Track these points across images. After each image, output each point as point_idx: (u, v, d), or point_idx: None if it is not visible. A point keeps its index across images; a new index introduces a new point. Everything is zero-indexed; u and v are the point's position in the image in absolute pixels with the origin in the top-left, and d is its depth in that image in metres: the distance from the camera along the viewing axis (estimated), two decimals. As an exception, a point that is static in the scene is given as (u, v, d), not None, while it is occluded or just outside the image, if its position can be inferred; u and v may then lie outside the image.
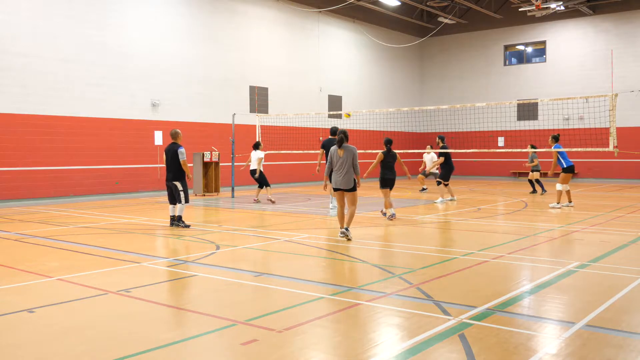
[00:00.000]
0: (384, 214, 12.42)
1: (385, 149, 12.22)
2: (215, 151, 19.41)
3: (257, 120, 19.30)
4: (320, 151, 14.25)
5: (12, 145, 15.97)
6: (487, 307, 5.46)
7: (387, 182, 12.24)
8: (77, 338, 4.73)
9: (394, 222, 11.89)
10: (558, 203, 14.46)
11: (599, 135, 21.05)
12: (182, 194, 11.05)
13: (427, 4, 27.20)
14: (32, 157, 16.37)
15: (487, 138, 27.79)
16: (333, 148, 9.66)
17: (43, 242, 9.63)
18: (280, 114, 21.96)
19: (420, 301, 5.74)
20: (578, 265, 7.39)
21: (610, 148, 13.41)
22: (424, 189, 19.83)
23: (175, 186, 11.09)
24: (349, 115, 20.96)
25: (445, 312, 5.30)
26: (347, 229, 9.53)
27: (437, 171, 18.03)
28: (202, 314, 5.40)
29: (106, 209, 14.97)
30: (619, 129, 21.45)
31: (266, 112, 23.04)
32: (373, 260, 7.94)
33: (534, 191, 19.26)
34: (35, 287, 6.54)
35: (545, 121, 25.96)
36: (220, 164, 20.00)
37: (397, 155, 12.36)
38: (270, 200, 16.11)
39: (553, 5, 24.11)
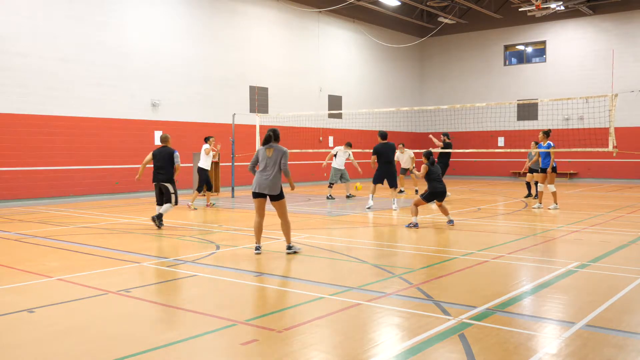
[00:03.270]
0: (415, 225, 11.10)
1: (429, 161, 11.24)
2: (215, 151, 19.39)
3: (257, 120, 19.30)
4: (373, 157, 14.20)
5: (12, 145, 15.97)
6: (487, 307, 5.47)
7: (436, 195, 11.27)
8: (77, 338, 4.73)
9: (394, 222, 11.88)
10: (556, 204, 14.26)
11: (598, 135, 21.05)
12: (173, 197, 11.26)
13: (427, 4, 27.19)
14: (32, 157, 16.36)
15: (487, 138, 27.79)
16: (261, 148, 8.47)
17: (43, 242, 9.63)
18: (280, 114, 21.96)
19: (420, 301, 5.74)
20: (578, 265, 7.39)
21: (610, 148, 13.41)
22: (401, 191, 19.01)
23: (167, 188, 11.27)
24: None
25: (445, 312, 5.30)
26: (290, 247, 8.40)
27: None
28: (202, 314, 5.40)
29: (106, 209, 14.97)
30: (619, 129, 21.47)
31: (266, 112, 23.04)
32: (373, 260, 7.94)
33: (530, 194, 17.34)
34: (35, 287, 6.54)
35: (545, 121, 25.95)
36: (220, 164, 20.00)
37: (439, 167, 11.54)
38: (210, 204, 15.25)
39: (553, 5, 24.10)
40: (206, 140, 15.39)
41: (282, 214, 8.39)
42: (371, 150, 14.32)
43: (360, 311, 5.45)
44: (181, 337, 4.71)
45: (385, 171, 14.02)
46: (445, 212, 11.44)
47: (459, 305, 5.54)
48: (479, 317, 5.15)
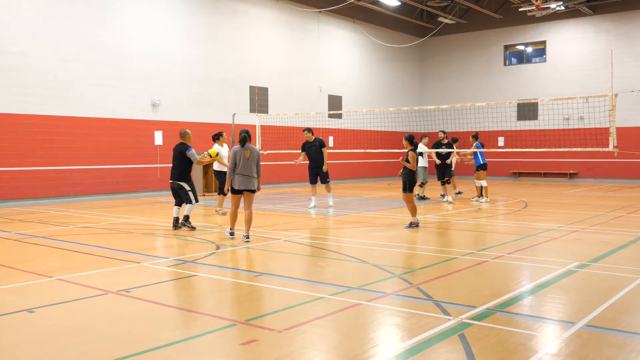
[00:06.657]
0: (416, 224, 11.02)
1: (413, 146, 11.09)
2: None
3: (257, 120, 19.29)
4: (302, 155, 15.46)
5: (12, 145, 15.97)
6: (487, 307, 5.46)
7: (415, 182, 11.20)
8: (77, 338, 4.73)
9: (394, 222, 11.88)
10: (484, 197, 16.15)
11: (599, 135, 21.02)
12: (190, 194, 10.80)
13: (427, 4, 27.19)
14: (32, 157, 16.36)
15: (487, 138, 27.76)
16: (238, 149, 9.36)
17: (43, 242, 9.63)
18: (280, 114, 21.95)
19: (420, 301, 5.74)
20: (578, 265, 7.39)
21: (610, 148, 13.40)
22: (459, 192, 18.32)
23: (181, 186, 10.81)
24: None
25: (445, 312, 5.30)
26: (248, 236, 9.39)
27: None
28: (202, 314, 5.40)
29: (106, 209, 14.97)
30: (619, 129, 21.44)
31: (266, 112, 23.04)
32: (373, 260, 7.94)
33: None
34: (35, 287, 6.54)
35: (545, 121, 25.95)
36: (220, 164, 19.99)
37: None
38: (219, 212, 13.54)
39: (553, 5, 24.10)
40: (216, 138, 13.47)
41: (251, 206, 9.63)
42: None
43: (360, 311, 5.44)
44: (181, 337, 4.71)
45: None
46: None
47: (459, 305, 5.54)
48: (479, 317, 5.15)
